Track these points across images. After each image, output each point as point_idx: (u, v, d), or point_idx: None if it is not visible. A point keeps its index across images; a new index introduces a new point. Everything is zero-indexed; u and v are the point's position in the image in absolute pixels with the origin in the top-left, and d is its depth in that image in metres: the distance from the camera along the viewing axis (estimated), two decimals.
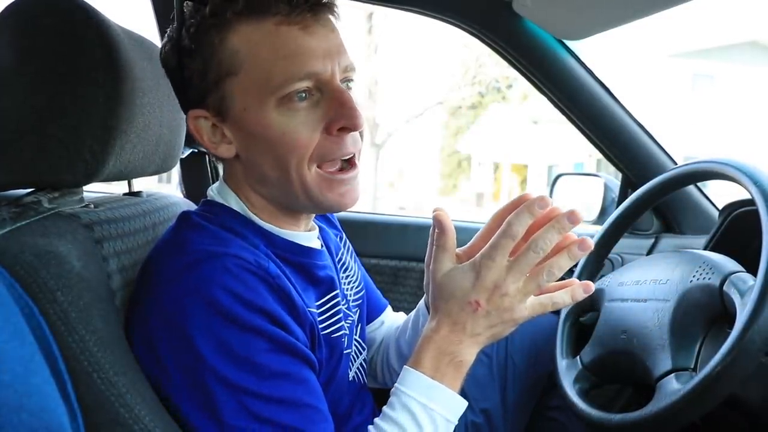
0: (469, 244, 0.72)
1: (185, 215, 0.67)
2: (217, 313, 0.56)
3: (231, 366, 0.56)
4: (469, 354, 0.64)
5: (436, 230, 0.66)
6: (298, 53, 0.61)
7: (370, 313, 0.92)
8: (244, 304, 0.56)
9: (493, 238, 0.61)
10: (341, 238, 0.89)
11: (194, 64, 0.63)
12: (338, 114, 0.62)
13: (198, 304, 0.56)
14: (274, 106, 0.61)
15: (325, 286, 0.72)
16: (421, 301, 0.85)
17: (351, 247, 0.91)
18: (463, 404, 0.65)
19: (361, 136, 0.68)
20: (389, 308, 0.99)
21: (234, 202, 0.68)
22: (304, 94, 0.62)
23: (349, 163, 0.67)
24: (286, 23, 0.61)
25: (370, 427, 0.64)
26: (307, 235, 0.72)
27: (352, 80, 0.67)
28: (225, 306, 0.56)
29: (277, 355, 0.58)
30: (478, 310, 0.61)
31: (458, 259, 0.67)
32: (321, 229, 0.80)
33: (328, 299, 0.72)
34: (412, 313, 0.89)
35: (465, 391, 1.05)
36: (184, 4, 0.64)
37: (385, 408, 0.65)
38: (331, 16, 0.64)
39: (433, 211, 0.67)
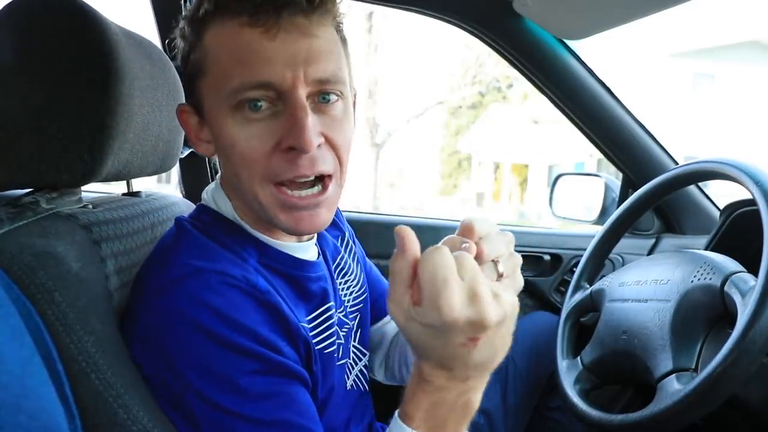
0: None
1: (179, 223, 0.65)
2: (199, 331, 0.54)
3: (213, 386, 0.54)
4: (476, 393, 0.53)
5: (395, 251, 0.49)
6: (254, 59, 0.56)
7: (380, 310, 0.90)
8: (228, 323, 0.55)
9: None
10: (343, 239, 0.85)
11: (183, 61, 0.63)
12: (289, 132, 0.57)
13: (181, 322, 0.55)
14: (228, 112, 0.58)
15: (317, 299, 0.69)
16: None
17: (354, 249, 0.87)
18: None
19: (340, 154, 0.62)
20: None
21: (226, 209, 0.66)
22: (259, 104, 0.57)
23: (322, 185, 0.61)
24: (249, 25, 0.56)
25: None
26: (302, 245, 0.69)
27: (331, 93, 0.60)
28: (208, 325, 0.54)
29: (263, 376, 0.55)
30: (474, 347, 0.48)
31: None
32: (320, 235, 0.76)
33: (320, 313, 0.69)
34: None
35: None
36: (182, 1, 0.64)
37: None
38: (304, 19, 0.57)
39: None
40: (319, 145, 0.59)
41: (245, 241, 0.64)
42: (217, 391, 0.54)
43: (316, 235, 0.74)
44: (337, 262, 0.80)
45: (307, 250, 0.70)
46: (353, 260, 0.85)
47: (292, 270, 0.66)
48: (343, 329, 0.75)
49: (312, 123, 0.57)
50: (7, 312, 0.45)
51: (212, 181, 1.43)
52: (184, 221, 0.65)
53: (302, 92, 0.57)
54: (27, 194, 0.59)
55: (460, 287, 0.45)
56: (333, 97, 0.60)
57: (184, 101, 0.77)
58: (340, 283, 0.78)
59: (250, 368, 0.55)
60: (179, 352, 0.54)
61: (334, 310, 0.72)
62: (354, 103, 0.69)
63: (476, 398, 0.53)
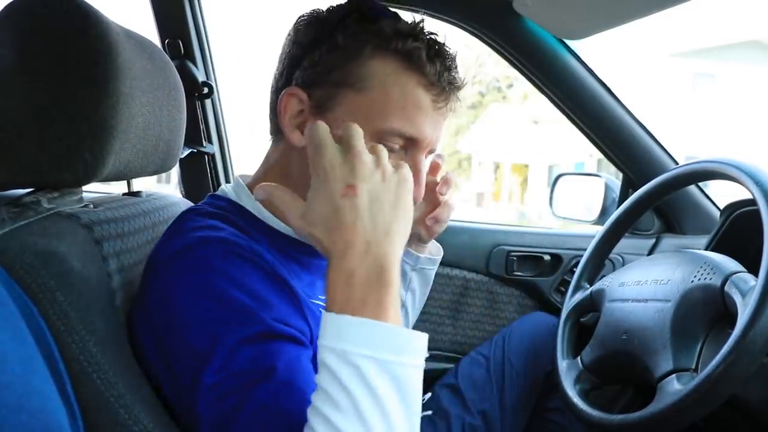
0: None
1: (185, 211, 0.67)
2: (201, 290, 0.55)
3: (206, 341, 0.54)
4: (387, 262, 0.50)
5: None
6: (418, 118, 0.64)
7: None
8: (230, 280, 0.56)
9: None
10: None
11: (330, 55, 0.64)
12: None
13: (188, 286, 0.56)
14: (368, 138, 0.61)
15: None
16: None
17: None
18: (413, 337, 0.49)
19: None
20: None
21: (249, 202, 0.68)
22: (397, 147, 0.65)
23: None
24: (425, 89, 0.64)
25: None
26: None
27: (426, 158, 0.70)
28: (211, 283, 0.55)
29: (256, 339, 0.55)
30: (354, 195, 0.50)
31: None
32: None
33: None
34: None
35: (462, 393, 1.06)
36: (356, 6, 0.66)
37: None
38: (456, 102, 0.68)
39: None
40: None
41: (260, 228, 0.66)
42: (209, 348, 0.53)
43: None
44: None
45: None
46: None
47: (304, 256, 0.69)
48: None
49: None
50: (9, 311, 0.45)
51: (212, 181, 1.44)
52: (187, 211, 0.67)
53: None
54: (28, 194, 0.59)
55: (335, 146, 0.53)
56: (426, 158, 0.70)
57: (184, 101, 0.77)
58: None
59: (244, 330, 0.54)
60: (182, 311, 0.55)
61: None
62: None
63: (391, 269, 0.50)
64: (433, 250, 0.98)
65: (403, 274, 0.95)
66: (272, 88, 0.70)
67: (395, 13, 0.68)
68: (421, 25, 0.66)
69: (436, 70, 0.64)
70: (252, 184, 0.70)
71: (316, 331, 0.61)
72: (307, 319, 0.61)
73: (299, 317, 0.60)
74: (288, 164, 0.69)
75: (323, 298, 0.68)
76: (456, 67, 0.67)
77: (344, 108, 0.64)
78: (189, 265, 0.57)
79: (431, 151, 0.69)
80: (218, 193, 0.71)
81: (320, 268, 0.71)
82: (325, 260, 0.69)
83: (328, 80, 0.64)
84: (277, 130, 0.70)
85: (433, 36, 0.66)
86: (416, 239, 0.93)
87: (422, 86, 0.64)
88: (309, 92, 0.65)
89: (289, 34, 0.70)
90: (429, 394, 1.08)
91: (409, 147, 0.66)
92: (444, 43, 0.67)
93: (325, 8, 0.68)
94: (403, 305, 0.97)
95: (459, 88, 0.67)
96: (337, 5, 0.68)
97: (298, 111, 0.66)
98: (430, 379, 1.11)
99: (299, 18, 0.69)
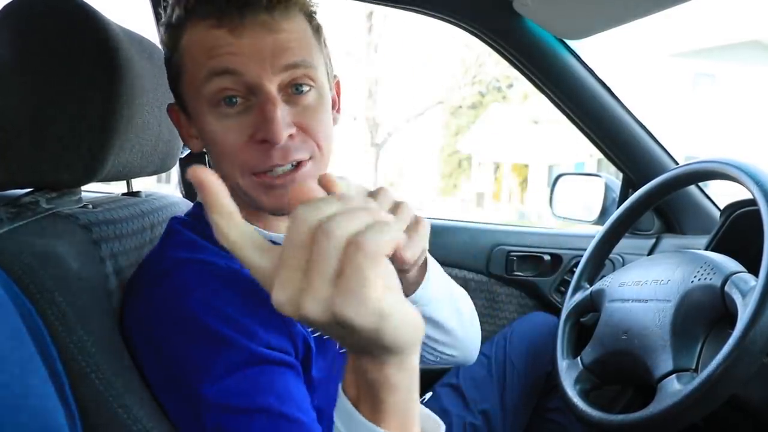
0: None
1: (169, 222, 0.67)
2: (182, 319, 0.55)
3: (194, 374, 0.53)
4: (376, 371, 0.39)
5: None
6: (221, 52, 0.59)
7: None
8: (211, 310, 0.55)
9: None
10: None
11: (167, 63, 0.65)
12: (261, 124, 0.59)
13: (166, 311, 0.55)
14: (207, 109, 0.61)
15: None
16: None
17: None
18: None
19: (317, 140, 0.63)
20: None
21: None
22: (234, 99, 0.60)
23: (295, 169, 0.63)
24: (217, 27, 0.59)
25: None
26: None
27: (303, 84, 0.61)
28: (191, 312, 0.55)
29: (245, 366, 0.54)
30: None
31: None
32: None
33: None
34: None
35: (463, 392, 1.06)
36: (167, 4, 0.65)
37: None
38: (267, 16, 0.60)
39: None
40: (291, 136, 0.61)
41: None
42: (197, 379, 0.53)
43: None
44: None
45: None
46: None
47: None
48: None
49: (282, 115, 0.59)
50: (7, 312, 0.45)
51: None
52: (174, 220, 0.67)
53: (272, 86, 0.59)
54: (27, 194, 0.59)
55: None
56: (305, 88, 0.62)
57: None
58: None
59: (230, 357, 0.54)
60: (165, 340, 0.55)
61: None
62: (337, 90, 0.72)
63: (384, 380, 0.40)
64: (422, 280, 0.71)
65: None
66: None
67: None
68: None
69: (216, 5, 0.59)
70: None
71: (302, 348, 0.61)
72: (293, 336, 0.60)
73: (283, 336, 0.59)
74: (212, 165, 0.68)
75: None
76: None
77: (186, 97, 0.63)
78: (166, 294, 0.56)
79: (292, 68, 0.60)
80: (198, 199, 0.71)
81: None
82: None
83: (174, 83, 0.65)
84: None
85: None
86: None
87: (214, 27, 0.59)
88: (177, 102, 0.66)
89: None
90: (430, 393, 1.08)
91: (251, 92, 0.60)
92: None
93: None
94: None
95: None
96: None
97: (186, 121, 0.66)
98: (431, 379, 1.11)
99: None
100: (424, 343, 0.78)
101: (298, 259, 0.33)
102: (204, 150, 0.67)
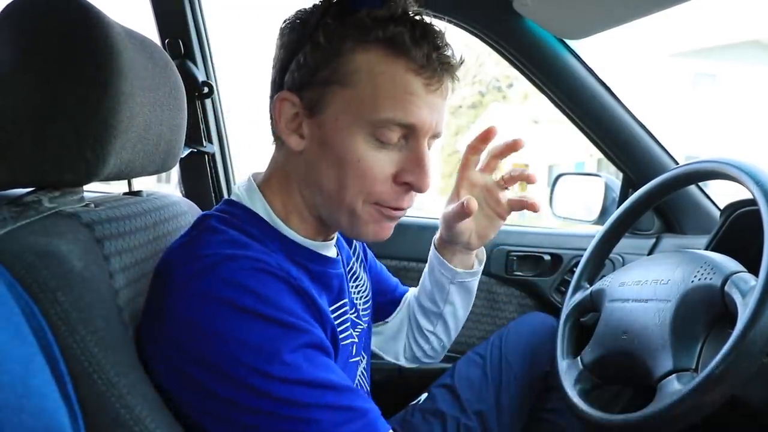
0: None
1: (203, 218, 0.66)
2: (238, 310, 0.55)
3: (260, 359, 0.54)
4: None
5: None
6: (410, 103, 0.62)
7: (387, 306, 0.98)
8: (266, 301, 0.56)
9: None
10: (352, 246, 0.90)
11: (313, 55, 0.63)
12: (411, 170, 0.65)
13: (218, 304, 0.55)
14: (363, 131, 0.63)
15: (335, 293, 0.73)
16: (432, 249, 0.94)
17: (362, 256, 0.92)
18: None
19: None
20: (412, 289, 1.05)
21: (260, 206, 0.68)
22: (396, 138, 0.64)
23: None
24: (415, 73, 0.62)
25: None
26: (325, 244, 0.72)
27: (433, 143, 0.70)
28: (245, 304, 0.55)
29: (307, 348, 0.57)
30: None
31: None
32: (337, 240, 0.80)
33: (338, 306, 0.73)
34: (425, 269, 0.98)
35: (458, 393, 1.06)
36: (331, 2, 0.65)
37: None
38: (451, 83, 0.66)
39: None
40: None
41: (274, 237, 0.67)
42: (264, 363, 0.54)
43: (336, 236, 0.78)
44: (350, 266, 0.84)
45: (329, 248, 0.73)
46: (361, 267, 0.90)
47: (314, 265, 0.69)
48: (357, 329, 0.78)
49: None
50: (10, 311, 0.45)
51: (212, 181, 1.44)
52: (210, 216, 0.66)
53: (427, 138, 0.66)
54: (29, 193, 0.59)
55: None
56: (432, 146, 0.69)
57: (185, 100, 0.77)
58: (352, 287, 0.82)
59: (294, 342, 0.56)
60: (219, 334, 0.54)
61: (348, 307, 0.76)
62: None
63: None
64: (476, 261, 0.96)
65: (441, 287, 0.94)
66: (270, 94, 0.70)
67: (380, 1, 0.64)
68: (402, 7, 0.63)
69: (423, 52, 0.62)
70: (262, 186, 0.70)
71: (332, 343, 0.65)
72: (327, 332, 0.64)
73: (323, 332, 0.62)
74: (289, 168, 0.69)
75: (331, 310, 0.71)
76: (446, 45, 0.64)
77: (335, 106, 0.63)
78: (219, 287, 0.56)
79: (435, 136, 0.68)
80: (232, 197, 0.71)
81: (327, 278, 0.71)
82: (331, 271, 0.72)
83: (315, 80, 0.63)
84: (275, 134, 0.70)
85: (416, 17, 0.64)
86: (462, 246, 0.91)
87: (411, 71, 0.62)
88: (300, 95, 0.65)
89: (277, 39, 0.69)
90: (425, 395, 1.08)
91: (408, 135, 0.65)
92: (430, 23, 0.65)
93: (308, 7, 0.67)
94: (442, 316, 0.97)
95: (452, 66, 0.65)
96: (316, 3, 0.66)
97: (293, 115, 0.66)
98: (427, 380, 1.11)
99: (284, 21, 0.68)
100: (422, 329, 0.99)
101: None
102: (300, 150, 0.67)
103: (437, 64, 0.63)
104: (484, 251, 0.97)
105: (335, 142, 0.63)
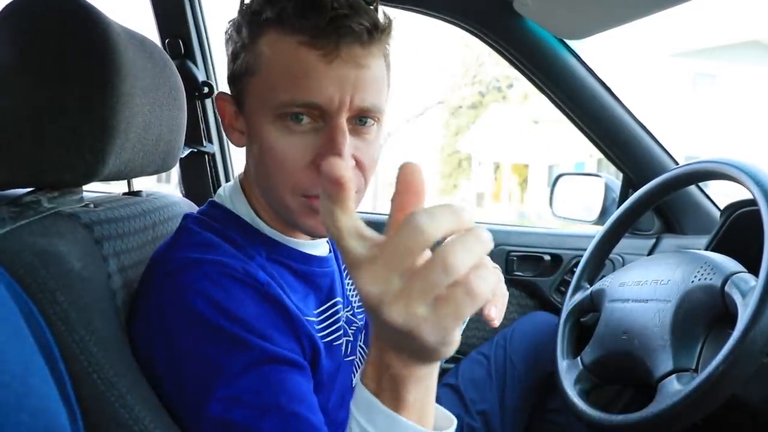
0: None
1: (183, 219, 0.67)
2: (195, 319, 0.55)
3: (206, 372, 0.54)
4: (402, 368, 0.39)
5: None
6: (307, 80, 0.58)
7: None
8: (223, 312, 0.55)
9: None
10: None
11: (232, 51, 0.64)
12: (325, 149, 0.59)
13: (178, 311, 0.56)
14: (271, 119, 0.60)
15: (324, 293, 0.71)
16: None
17: None
18: None
19: (366, 174, 0.64)
20: None
21: (243, 208, 0.68)
22: (301, 117, 0.59)
23: None
24: (308, 46, 0.57)
25: None
26: (314, 242, 0.71)
27: (368, 119, 0.62)
28: (202, 313, 0.55)
29: (256, 366, 0.55)
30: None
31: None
32: None
33: (328, 306, 0.71)
34: None
35: (462, 393, 1.06)
36: None
37: None
38: (361, 49, 0.59)
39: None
40: None
41: (255, 239, 0.66)
42: (210, 377, 0.54)
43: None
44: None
45: (317, 247, 0.72)
46: None
47: (300, 264, 0.68)
48: (352, 327, 0.77)
49: (348, 147, 0.59)
50: (9, 311, 0.45)
51: (212, 181, 1.44)
52: (188, 218, 0.66)
53: (344, 116, 0.59)
54: (28, 193, 0.59)
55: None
56: (370, 122, 0.62)
57: (184, 100, 0.77)
58: (348, 284, 0.80)
59: (243, 357, 0.54)
60: (177, 340, 0.55)
61: (341, 305, 0.74)
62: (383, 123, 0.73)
63: (404, 374, 0.40)
64: None
65: None
66: None
67: None
68: None
69: (312, 23, 0.57)
70: (244, 185, 0.69)
71: (309, 350, 0.62)
72: (301, 338, 0.61)
73: (292, 338, 0.60)
74: (247, 166, 0.69)
75: (316, 312, 0.68)
76: (340, 7, 0.57)
77: (251, 98, 0.63)
78: (178, 294, 0.56)
79: (364, 112, 0.61)
80: (216, 198, 0.71)
81: (314, 277, 0.70)
82: (319, 270, 0.69)
83: (236, 75, 0.64)
84: None
85: None
86: None
87: (304, 45, 0.57)
88: (232, 93, 0.66)
89: None
90: None
91: (323, 116, 0.59)
92: None
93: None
94: None
95: (356, 31, 0.57)
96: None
97: (233, 112, 0.66)
98: None
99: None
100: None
101: (401, 263, 0.33)
102: (242, 147, 0.67)
103: (332, 32, 0.57)
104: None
105: (253, 133, 0.63)
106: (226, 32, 0.66)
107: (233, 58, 0.64)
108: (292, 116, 0.59)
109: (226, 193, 0.70)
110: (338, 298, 0.74)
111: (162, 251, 0.64)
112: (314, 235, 0.67)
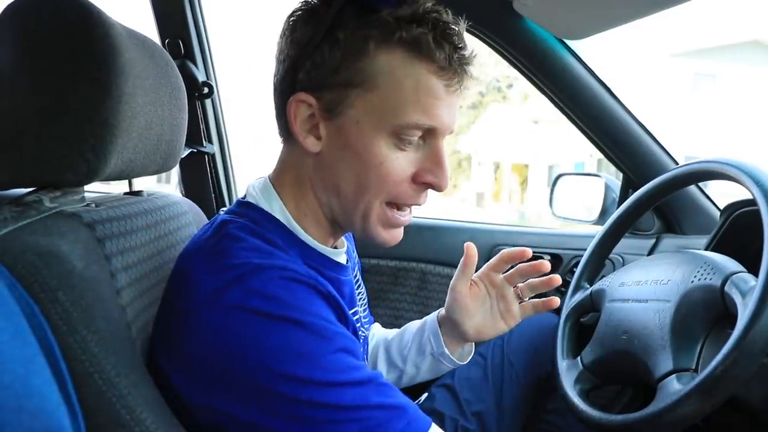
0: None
1: (223, 224, 0.64)
2: (273, 321, 0.54)
3: (300, 366, 0.54)
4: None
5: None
6: (433, 107, 0.62)
7: None
8: (299, 310, 0.56)
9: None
10: (355, 256, 0.91)
11: (332, 56, 0.61)
12: (431, 170, 0.65)
13: (249, 317, 0.54)
14: (387, 136, 0.63)
15: (347, 300, 0.73)
16: (433, 315, 0.93)
17: (356, 264, 0.92)
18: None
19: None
20: (376, 324, 1.05)
21: (278, 209, 0.67)
22: (416, 139, 0.64)
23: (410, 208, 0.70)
24: (436, 76, 0.62)
25: None
26: (338, 251, 0.73)
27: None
28: (280, 314, 0.54)
29: (341, 353, 0.57)
30: None
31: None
32: (347, 247, 0.80)
33: (352, 313, 0.73)
34: (411, 324, 0.98)
35: (457, 393, 1.06)
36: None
37: None
38: (467, 81, 0.66)
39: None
40: None
41: (292, 242, 0.66)
42: (305, 370, 0.54)
43: (346, 243, 0.79)
44: (354, 274, 0.85)
45: (339, 256, 0.73)
46: (360, 276, 0.91)
47: (330, 271, 0.69)
48: (361, 335, 0.80)
49: None
50: (11, 311, 0.45)
51: (212, 181, 1.44)
52: (230, 223, 0.64)
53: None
54: (30, 193, 0.59)
55: None
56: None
57: (185, 100, 0.77)
58: (357, 293, 0.83)
59: (331, 346, 0.56)
60: (254, 345, 0.54)
61: (359, 315, 0.78)
62: None
63: None
64: (464, 353, 0.98)
65: (420, 349, 0.95)
66: (275, 90, 0.68)
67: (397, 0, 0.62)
68: (423, 7, 0.62)
69: (445, 54, 0.61)
70: (276, 187, 0.69)
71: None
72: (355, 335, 0.66)
73: (350, 334, 0.62)
74: (302, 168, 0.68)
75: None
76: (464, 44, 0.64)
77: (356, 109, 0.62)
78: (250, 297, 0.55)
79: (449, 133, 0.68)
80: (248, 199, 0.69)
81: (340, 285, 0.71)
82: (344, 278, 0.74)
83: (335, 82, 0.62)
84: (286, 133, 0.68)
85: (436, 15, 0.62)
86: (458, 332, 0.92)
87: (434, 73, 0.61)
88: (317, 96, 0.63)
89: (284, 32, 0.66)
90: (425, 395, 1.08)
91: (427, 135, 0.65)
92: (449, 22, 0.63)
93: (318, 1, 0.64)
94: (402, 373, 0.98)
95: (470, 66, 0.65)
96: None
97: (308, 116, 0.64)
98: (428, 381, 1.11)
99: (293, 13, 0.65)
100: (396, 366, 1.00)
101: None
102: (316, 152, 0.65)
103: (457, 65, 0.62)
104: (471, 352, 1.00)
105: (357, 144, 0.63)
106: (305, 23, 0.63)
107: (336, 66, 0.61)
108: (407, 135, 0.63)
109: (258, 193, 0.69)
110: (357, 307, 0.76)
111: (203, 260, 0.60)
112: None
